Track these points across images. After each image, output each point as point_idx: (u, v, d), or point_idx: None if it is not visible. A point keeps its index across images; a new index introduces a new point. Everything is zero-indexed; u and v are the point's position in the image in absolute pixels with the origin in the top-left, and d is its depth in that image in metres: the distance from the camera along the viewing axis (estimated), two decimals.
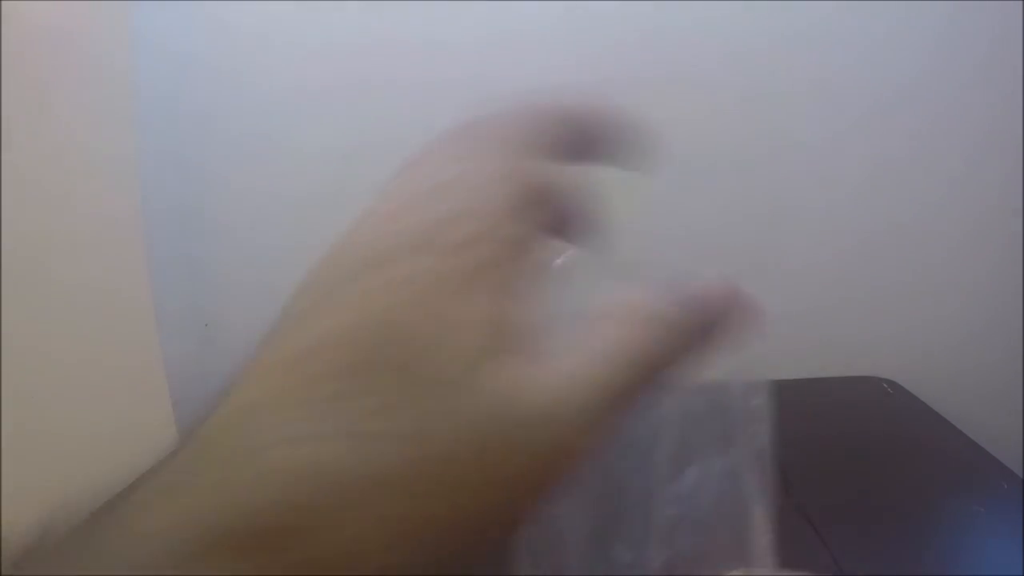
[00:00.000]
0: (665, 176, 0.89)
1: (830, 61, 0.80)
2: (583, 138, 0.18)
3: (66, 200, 0.78)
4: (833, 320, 0.87)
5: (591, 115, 0.18)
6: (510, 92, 0.17)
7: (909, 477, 0.62)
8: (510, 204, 0.15)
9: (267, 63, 0.86)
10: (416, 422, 0.13)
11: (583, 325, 0.15)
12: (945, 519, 0.55)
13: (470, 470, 0.13)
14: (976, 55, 0.78)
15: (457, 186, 0.15)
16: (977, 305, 0.85)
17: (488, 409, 0.13)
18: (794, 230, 0.85)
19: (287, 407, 0.13)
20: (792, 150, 0.83)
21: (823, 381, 0.86)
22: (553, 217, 0.17)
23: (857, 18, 0.79)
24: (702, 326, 0.15)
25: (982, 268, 0.83)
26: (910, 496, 0.58)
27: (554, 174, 0.17)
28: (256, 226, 0.91)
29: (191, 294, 0.91)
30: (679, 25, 0.81)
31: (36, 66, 0.75)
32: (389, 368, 0.13)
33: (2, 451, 0.79)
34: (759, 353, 0.80)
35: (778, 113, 0.82)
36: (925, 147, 0.81)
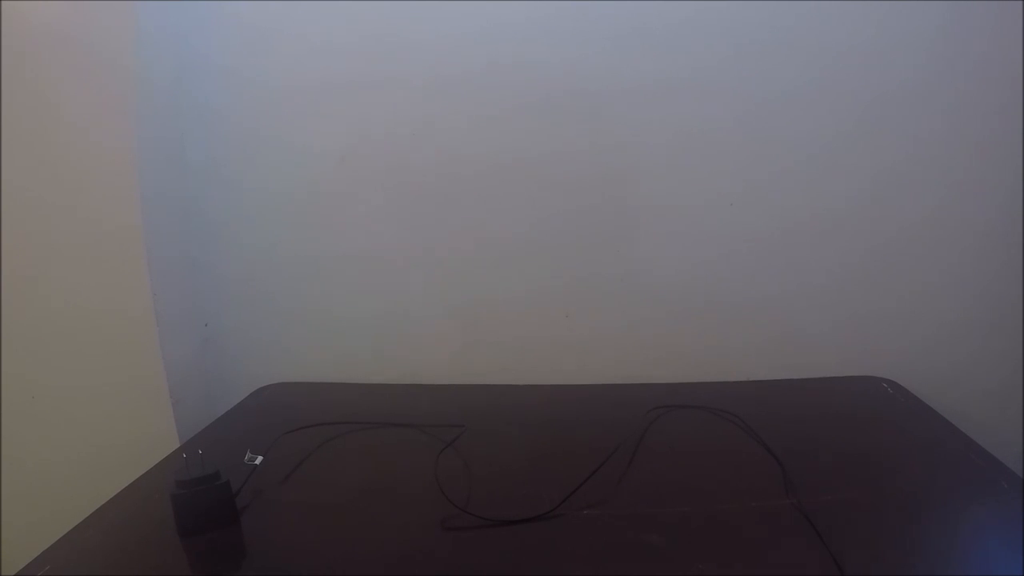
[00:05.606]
0: (668, 178, 0.90)
1: (830, 65, 0.80)
2: None
3: (66, 200, 0.78)
4: (833, 320, 0.87)
5: None
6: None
7: (909, 477, 0.62)
8: None
9: (268, 62, 0.86)
10: None
11: None
12: (945, 519, 0.55)
13: None
14: (977, 58, 0.78)
15: None
16: (977, 306, 0.85)
17: None
18: (794, 232, 0.85)
19: None
20: (793, 152, 0.83)
21: (823, 381, 0.86)
22: None
23: (856, 21, 0.79)
24: None
25: (982, 269, 0.83)
26: (910, 496, 0.58)
27: None
28: (256, 226, 0.91)
29: (191, 294, 0.91)
30: (678, 26, 0.81)
31: (36, 66, 0.75)
32: None
33: (2, 451, 0.79)
34: (761, 353, 0.80)
35: (779, 116, 0.82)
36: (926, 150, 0.81)
